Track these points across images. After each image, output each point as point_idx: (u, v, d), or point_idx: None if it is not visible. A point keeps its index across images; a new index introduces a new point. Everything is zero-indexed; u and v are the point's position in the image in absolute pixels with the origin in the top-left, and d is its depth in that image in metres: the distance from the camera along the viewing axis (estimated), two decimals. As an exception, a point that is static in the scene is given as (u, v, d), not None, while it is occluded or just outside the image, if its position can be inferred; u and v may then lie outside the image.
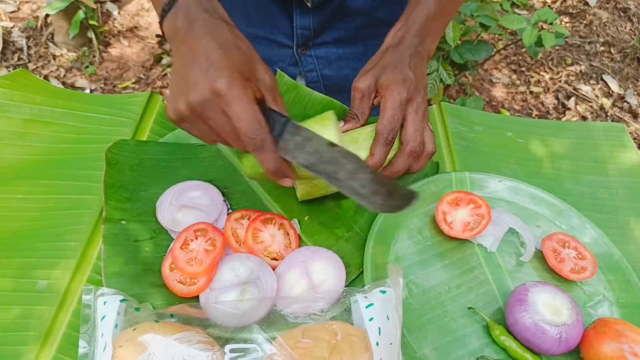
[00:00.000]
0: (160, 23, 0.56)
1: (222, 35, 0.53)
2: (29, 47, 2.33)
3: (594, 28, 2.75)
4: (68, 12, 2.21)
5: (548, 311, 0.57)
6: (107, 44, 2.39)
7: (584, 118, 2.31)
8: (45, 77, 2.21)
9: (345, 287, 0.61)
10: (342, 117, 0.77)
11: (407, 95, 0.63)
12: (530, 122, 0.86)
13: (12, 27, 2.39)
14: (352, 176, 0.53)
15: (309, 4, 0.81)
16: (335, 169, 0.53)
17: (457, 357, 0.58)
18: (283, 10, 0.85)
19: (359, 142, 0.64)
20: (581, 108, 2.35)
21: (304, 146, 0.53)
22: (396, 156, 0.64)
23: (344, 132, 0.66)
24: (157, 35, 0.69)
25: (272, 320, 0.55)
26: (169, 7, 0.54)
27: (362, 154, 0.64)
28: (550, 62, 2.55)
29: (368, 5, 0.85)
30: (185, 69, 0.52)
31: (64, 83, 2.21)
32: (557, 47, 2.60)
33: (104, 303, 0.52)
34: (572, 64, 2.55)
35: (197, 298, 0.59)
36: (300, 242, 0.66)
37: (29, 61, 2.28)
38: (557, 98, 2.39)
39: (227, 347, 0.50)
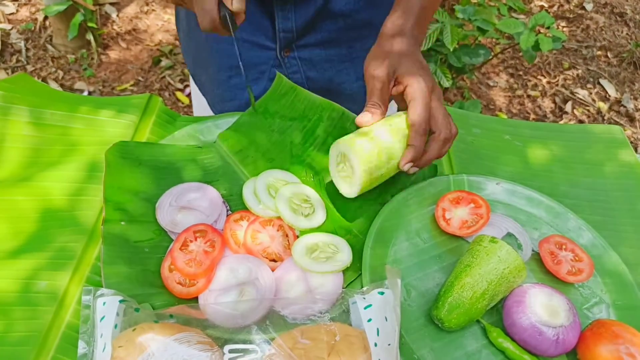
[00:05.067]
0: None
1: None
2: (27, 49, 2.33)
3: (591, 32, 2.77)
4: (67, 15, 2.21)
5: (545, 313, 0.57)
6: (106, 47, 2.40)
7: (581, 122, 2.32)
8: (44, 79, 2.21)
9: (344, 288, 0.62)
10: (338, 120, 0.78)
11: (430, 84, 0.65)
12: (527, 125, 0.87)
13: (10, 29, 2.39)
14: None
15: None
16: None
17: (455, 359, 0.58)
18: (264, 11, 0.84)
19: (394, 134, 0.65)
20: (578, 112, 2.36)
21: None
22: (430, 144, 0.65)
23: (372, 123, 0.66)
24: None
25: (271, 321, 0.55)
26: None
27: (398, 148, 0.65)
28: (547, 66, 2.56)
29: (351, 7, 0.85)
30: None
31: (62, 85, 2.21)
32: (554, 51, 2.62)
33: (104, 304, 0.52)
34: (569, 68, 2.56)
35: (196, 299, 0.59)
36: (299, 244, 0.66)
37: (28, 63, 2.28)
38: (554, 102, 2.40)
39: (226, 348, 0.50)
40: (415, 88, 0.64)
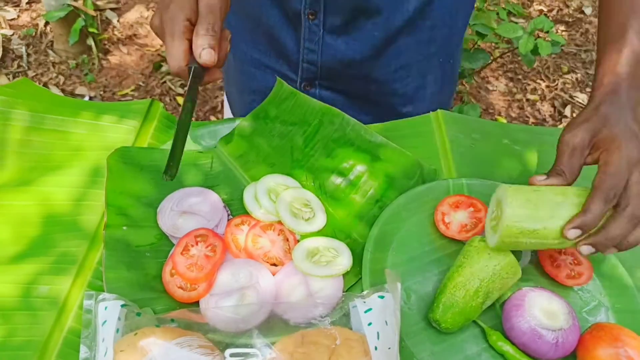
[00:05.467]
0: None
1: None
2: (28, 55, 2.34)
3: (590, 36, 2.78)
4: (68, 20, 2.22)
5: (544, 316, 0.58)
6: (107, 52, 2.41)
7: (580, 125, 2.32)
8: (45, 85, 2.22)
9: (344, 292, 0.62)
10: (339, 125, 0.78)
11: (637, 155, 0.54)
12: (526, 129, 0.87)
13: (12, 35, 2.40)
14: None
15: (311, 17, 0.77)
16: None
17: (455, 362, 0.58)
18: (291, 37, 0.82)
19: (568, 196, 0.56)
20: (577, 115, 2.36)
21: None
22: (613, 219, 0.54)
23: (546, 185, 0.58)
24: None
25: (272, 325, 0.55)
26: None
27: (567, 210, 0.55)
28: (546, 70, 2.57)
29: (388, 76, 0.81)
30: None
31: (63, 90, 2.22)
32: (553, 56, 2.63)
33: (105, 308, 0.53)
34: (568, 72, 2.57)
35: (197, 303, 0.59)
36: (300, 248, 0.67)
37: (29, 68, 2.29)
38: (553, 106, 2.41)
39: (227, 352, 0.51)
40: (612, 152, 0.54)
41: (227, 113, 1.10)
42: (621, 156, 0.54)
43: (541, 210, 0.56)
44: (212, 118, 2.21)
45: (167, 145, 0.76)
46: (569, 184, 0.58)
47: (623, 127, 0.56)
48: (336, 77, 0.85)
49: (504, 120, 2.30)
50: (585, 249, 0.55)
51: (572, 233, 0.54)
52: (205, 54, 0.57)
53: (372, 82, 0.84)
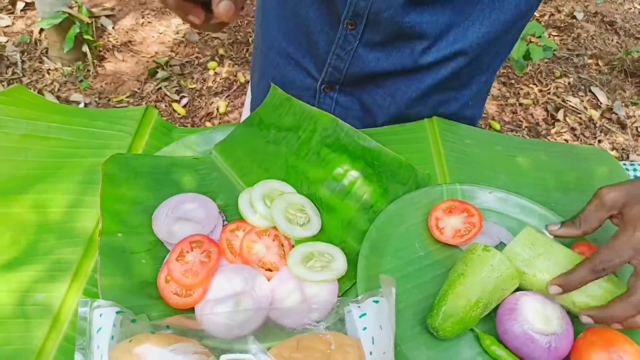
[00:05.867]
0: None
1: None
2: (23, 62, 2.34)
3: (582, 41, 2.81)
4: (62, 27, 2.22)
5: (538, 320, 0.58)
6: (102, 59, 2.41)
7: (573, 129, 2.34)
8: (40, 92, 2.22)
9: (339, 297, 0.62)
10: (332, 130, 0.78)
11: None
12: (518, 141, 0.87)
13: (6, 42, 2.40)
14: None
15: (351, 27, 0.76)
16: None
17: (450, 366, 0.58)
18: (325, 37, 0.80)
19: (574, 263, 0.59)
20: (570, 120, 2.38)
21: None
22: (619, 300, 0.55)
23: (556, 235, 0.63)
24: None
25: (267, 330, 0.55)
26: None
27: (555, 267, 0.59)
28: (539, 75, 2.59)
29: (406, 100, 0.83)
30: None
31: (58, 97, 2.22)
32: (545, 60, 2.65)
33: (100, 315, 0.53)
34: (560, 77, 2.59)
35: (193, 309, 0.59)
36: (295, 254, 0.67)
37: (23, 75, 2.29)
38: (546, 110, 2.43)
39: (223, 358, 0.51)
40: (627, 231, 0.54)
41: (248, 100, 1.08)
42: (630, 237, 0.54)
43: (540, 262, 0.61)
44: (208, 124, 2.22)
45: (163, 152, 0.77)
46: (582, 234, 0.60)
47: None
48: (358, 84, 0.84)
49: (497, 125, 2.32)
50: (585, 319, 0.57)
51: (553, 289, 0.58)
52: (224, 5, 0.53)
53: (389, 96, 0.84)
